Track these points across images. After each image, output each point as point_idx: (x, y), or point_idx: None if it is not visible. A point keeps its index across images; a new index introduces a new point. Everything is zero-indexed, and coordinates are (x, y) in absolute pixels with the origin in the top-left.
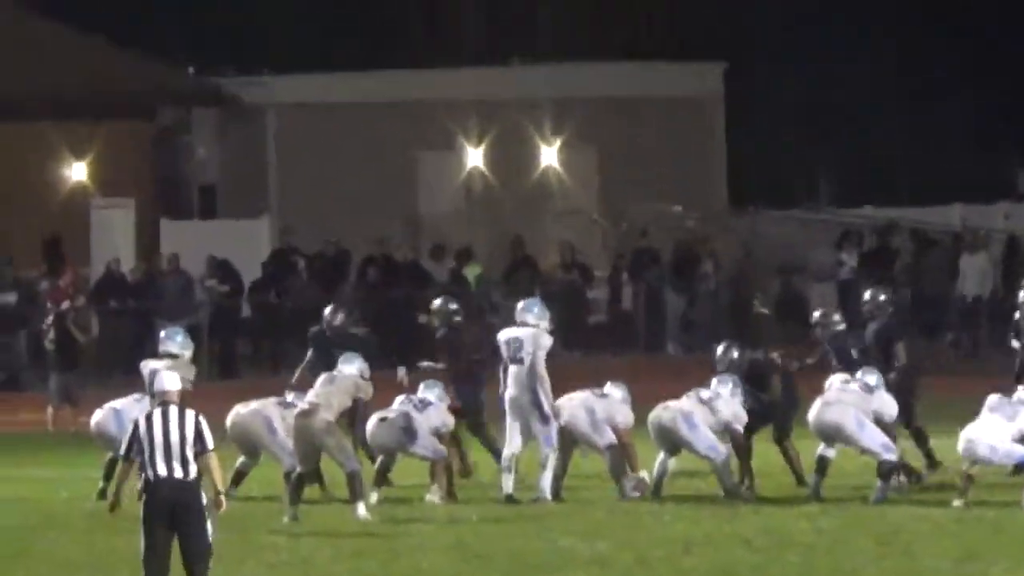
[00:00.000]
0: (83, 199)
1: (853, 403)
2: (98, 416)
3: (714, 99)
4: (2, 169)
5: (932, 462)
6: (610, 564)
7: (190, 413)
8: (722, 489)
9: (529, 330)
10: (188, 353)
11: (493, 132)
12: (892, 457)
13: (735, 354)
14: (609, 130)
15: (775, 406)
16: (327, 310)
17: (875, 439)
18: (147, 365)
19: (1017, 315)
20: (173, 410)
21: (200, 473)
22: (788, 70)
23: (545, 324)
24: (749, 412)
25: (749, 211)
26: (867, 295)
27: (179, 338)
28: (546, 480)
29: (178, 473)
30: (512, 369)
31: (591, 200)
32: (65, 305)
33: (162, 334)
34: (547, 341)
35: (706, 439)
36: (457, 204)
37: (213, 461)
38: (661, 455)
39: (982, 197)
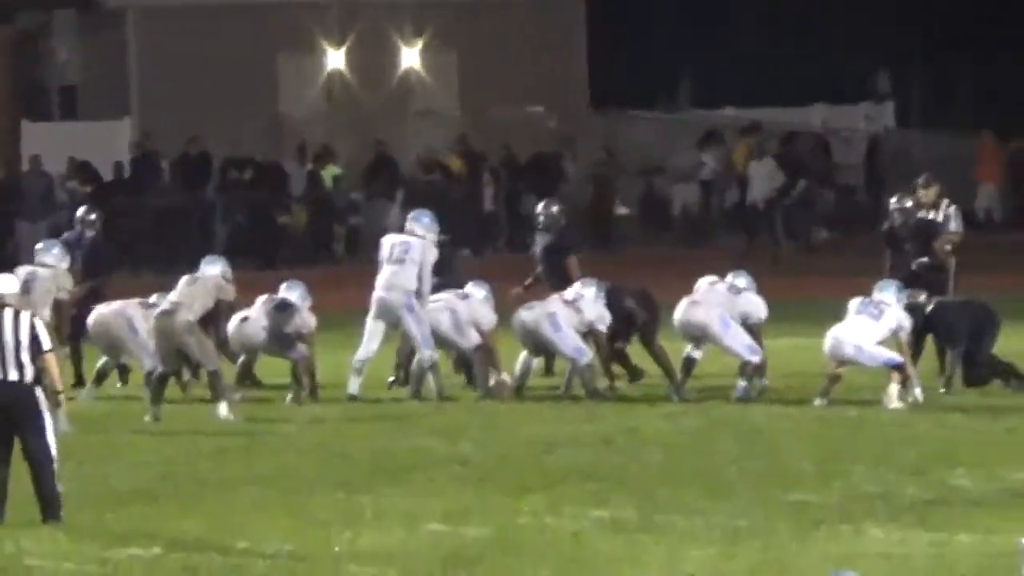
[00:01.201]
0: None
1: (719, 303)
2: None
3: None
4: None
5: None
6: (472, 463)
7: (25, 315)
8: (585, 390)
9: (418, 239)
10: (64, 264)
11: (354, 33)
12: (755, 359)
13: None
14: (470, 31)
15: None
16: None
17: (739, 340)
18: (23, 270)
19: (888, 223)
20: (8, 313)
21: (39, 376)
22: None
23: (432, 236)
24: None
25: (611, 112)
26: (539, 207)
27: (55, 250)
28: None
29: (12, 375)
30: (389, 269)
31: (452, 102)
32: None
33: (38, 245)
34: (433, 255)
35: (570, 340)
36: (318, 106)
37: (51, 361)
38: (523, 354)
39: (844, 98)
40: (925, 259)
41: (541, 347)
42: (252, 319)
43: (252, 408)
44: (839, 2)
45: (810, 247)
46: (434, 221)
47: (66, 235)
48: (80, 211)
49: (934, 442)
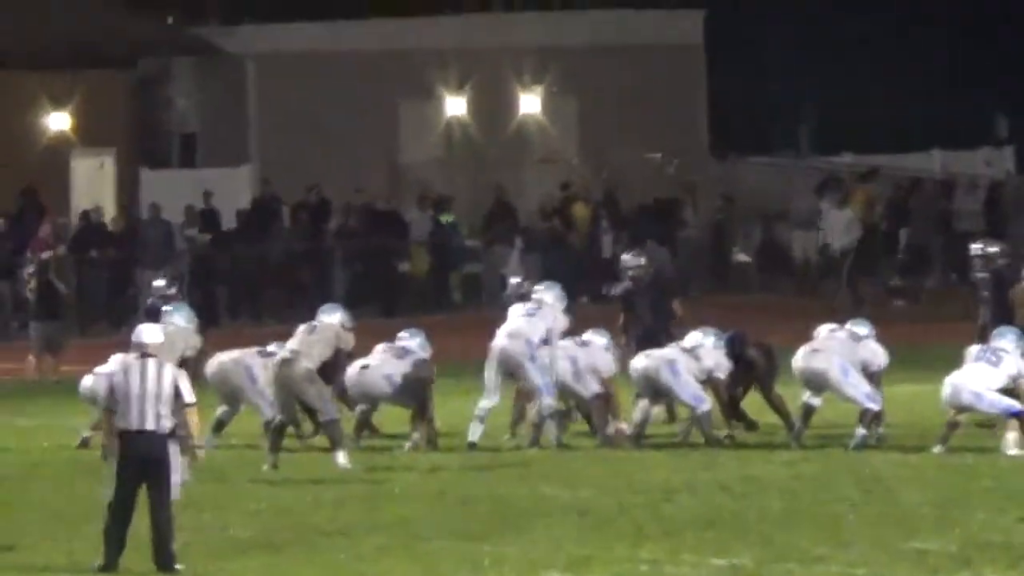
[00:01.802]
0: (64, 149)
1: (839, 351)
2: (88, 381)
3: (694, 46)
4: None
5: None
6: (591, 511)
7: (168, 367)
8: (703, 437)
9: (549, 307)
10: (193, 324)
11: (474, 80)
12: (874, 406)
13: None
14: (590, 78)
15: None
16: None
17: (859, 388)
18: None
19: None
20: (152, 363)
21: (174, 427)
22: (768, 16)
23: (560, 306)
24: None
25: (730, 158)
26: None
27: (184, 311)
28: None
29: (150, 426)
30: (515, 320)
31: (572, 148)
32: (46, 255)
33: (166, 307)
34: (561, 325)
35: (689, 387)
36: (438, 152)
37: (192, 415)
38: (642, 402)
39: (962, 143)
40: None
41: (660, 394)
42: (372, 367)
43: (371, 457)
44: (958, 46)
45: (889, 291)
46: (563, 292)
47: (150, 302)
48: (157, 283)
49: None
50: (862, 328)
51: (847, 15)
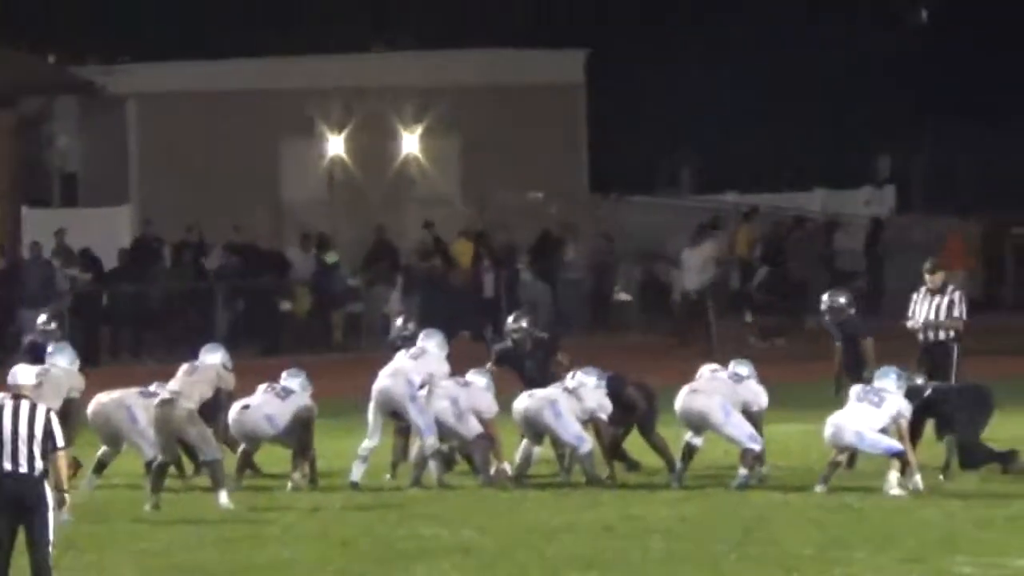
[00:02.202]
0: None
1: (720, 392)
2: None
3: (576, 86)
4: None
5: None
6: (474, 552)
7: (41, 408)
8: (585, 477)
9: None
10: (76, 365)
11: (355, 120)
12: (756, 447)
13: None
14: (471, 117)
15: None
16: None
17: (740, 428)
18: (35, 368)
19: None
20: (24, 404)
21: (46, 468)
22: (650, 56)
23: (442, 354)
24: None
25: (611, 198)
26: (825, 298)
27: (67, 352)
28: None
29: (23, 468)
30: (398, 360)
31: (453, 188)
32: None
33: (50, 348)
34: (444, 371)
35: (571, 427)
36: (319, 192)
37: (60, 460)
38: (524, 442)
39: (843, 183)
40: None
41: (542, 435)
42: (253, 407)
43: (253, 497)
44: (839, 88)
45: (761, 334)
46: (444, 339)
47: (30, 339)
48: (40, 320)
49: (935, 529)
50: (743, 368)
51: (729, 55)
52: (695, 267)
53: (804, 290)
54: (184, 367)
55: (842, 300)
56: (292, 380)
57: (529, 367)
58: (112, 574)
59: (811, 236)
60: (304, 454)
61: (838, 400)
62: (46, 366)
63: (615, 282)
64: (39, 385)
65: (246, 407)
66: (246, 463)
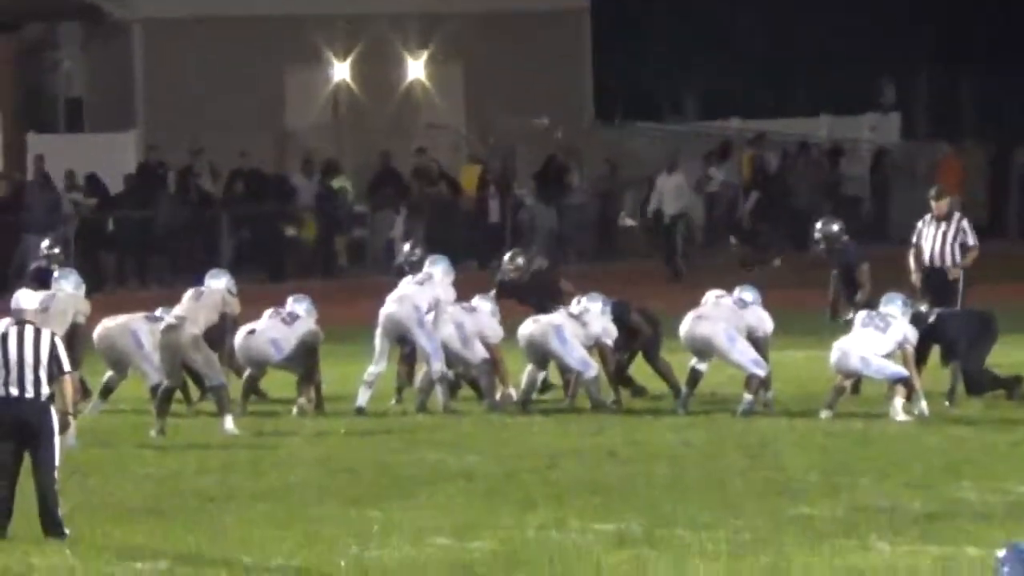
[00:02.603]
0: None
1: (724, 318)
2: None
3: (580, 11)
4: None
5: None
6: (478, 477)
7: (46, 333)
8: (590, 402)
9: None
10: (82, 290)
11: (360, 46)
12: (761, 372)
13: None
14: (476, 44)
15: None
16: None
17: (745, 354)
18: (40, 293)
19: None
20: (29, 329)
21: (52, 393)
22: None
23: (448, 280)
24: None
25: (616, 124)
26: (818, 226)
27: (73, 276)
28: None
29: (29, 393)
30: (404, 287)
31: (458, 114)
32: None
33: (55, 273)
34: (449, 297)
35: (576, 353)
36: (324, 118)
37: (66, 384)
38: (529, 367)
39: (848, 109)
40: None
41: (546, 360)
42: (258, 332)
43: (258, 422)
44: (844, 14)
45: (741, 262)
46: (450, 265)
47: (35, 265)
48: (44, 244)
49: (940, 455)
50: (748, 294)
51: None
52: (670, 193)
53: (807, 217)
54: (189, 292)
55: (835, 228)
56: (298, 305)
57: (532, 299)
58: (117, 500)
59: (816, 163)
60: (310, 379)
61: (838, 327)
62: (51, 291)
63: (620, 207)
64: (44, 310)
65: (252, 332)
66: (251, 388)
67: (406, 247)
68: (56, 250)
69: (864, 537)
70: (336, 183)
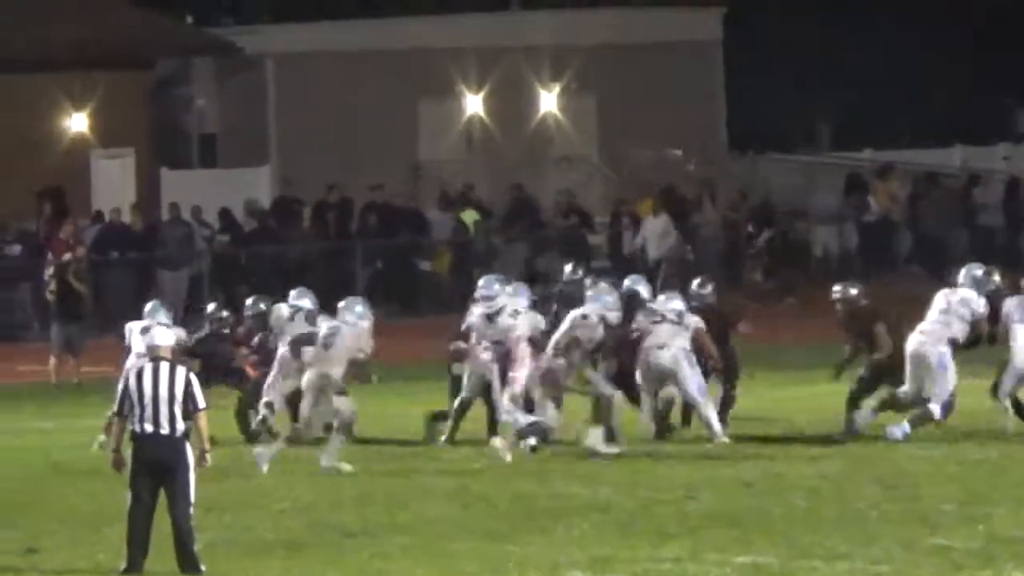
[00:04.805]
0: (83, 150)
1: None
2: None
3: (713, 43)
4: (2, 122)
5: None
6: (612, 509)
7: (181, 370)
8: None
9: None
10: (366, 323)
11: (493, 79)
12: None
13: (708, 288)
14: (608, 76)
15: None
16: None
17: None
18: (325, 323)
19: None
20: (164, 366)
21: (188, 429)
22: (785, 14)
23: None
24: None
25: (748, 155)
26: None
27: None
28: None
29: (164, 430)
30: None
31: (591, 146)
32: (66, 257)
33: (342, 303)
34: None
35: (697, 381)
36: (457, 151)
37: (202, 420)
38: (658, 394)
39: (982, 139)
40: None
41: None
42: None
43: (395, 453)
44: (977, 42)
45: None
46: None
47: (197, 335)
48: (210, 308)
49: None
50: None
51: (867, 10)
52: (654, 235)
53: (940, 246)
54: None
55: (854, 292)
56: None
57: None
58: (254, 534)
59: (948, 194)
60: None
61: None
62: (336, 323)
63: (747, 239)
64: (329, 341)
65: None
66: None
67: (567, 269)
68: (223, 314)
69: (1002, 567)
70: (466, 216)
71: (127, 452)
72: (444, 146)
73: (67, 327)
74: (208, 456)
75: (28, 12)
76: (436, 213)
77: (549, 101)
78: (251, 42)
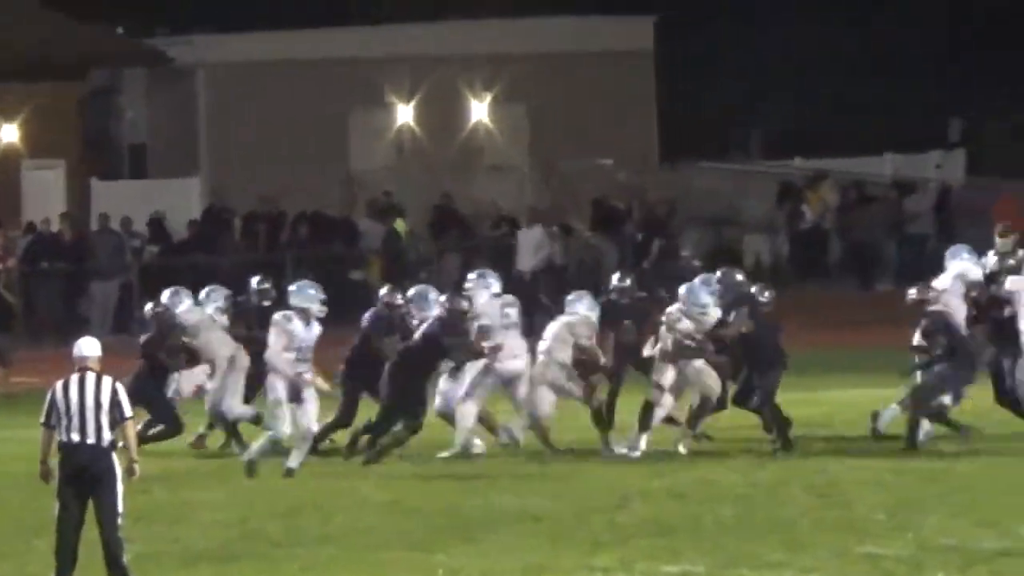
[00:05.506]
0: (14, 160)
1: None
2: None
3: (644, 53)
4: None
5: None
6: (545, 519)
7: (107, 380)
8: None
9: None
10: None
11: (424, 88)
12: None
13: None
14: (540, 85)
15: None
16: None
17: None
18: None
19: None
20: (90, 377)
21: (115, 439)
22: (717, 22)
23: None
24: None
25: (680, 164)
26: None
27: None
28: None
29: (91, 439)
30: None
31: (522, 155)
32: None
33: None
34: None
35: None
36: (388, 160)
37: (130, 429)
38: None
39: (914, 146)
40: None
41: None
42: None
43: (324, 465)
44: (909, 50)
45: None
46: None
47: (241, 300)
48: (254, 281)
49: (1009, 493)
50: None
51: (797, 19)
52: (528, 248)
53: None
54: None
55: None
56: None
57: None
58: (183, 545)
59: (880, 203)
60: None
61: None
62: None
63: (682, 247)
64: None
65: None
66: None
67: (615, 277)
68: (267, 285)
69: (931, 575)
70: (399, 225)
71: (55, 463)
72: (375, 155)
73: None
74: (137, 466)
75: None
76: (367, 222)
77: (480, 110)
78: (182, 52)
